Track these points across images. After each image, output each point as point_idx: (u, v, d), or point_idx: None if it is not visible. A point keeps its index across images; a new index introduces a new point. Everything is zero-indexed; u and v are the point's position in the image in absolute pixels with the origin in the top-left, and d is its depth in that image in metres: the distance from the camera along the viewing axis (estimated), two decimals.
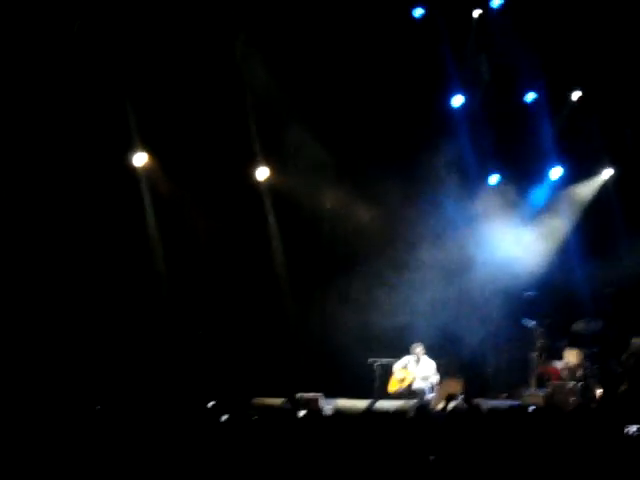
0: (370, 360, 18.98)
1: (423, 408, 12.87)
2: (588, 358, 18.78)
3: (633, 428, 9.52)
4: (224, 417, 11.63)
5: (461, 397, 18.09)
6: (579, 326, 19.12)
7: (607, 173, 20.66)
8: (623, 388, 17.36)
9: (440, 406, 15.22)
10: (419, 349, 18.51)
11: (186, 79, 18.49)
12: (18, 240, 17.39)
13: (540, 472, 6.78)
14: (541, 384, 18.76)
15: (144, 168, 18.84)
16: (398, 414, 9.86)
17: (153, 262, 19.33)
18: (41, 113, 17.35)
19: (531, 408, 12.25)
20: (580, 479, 6.58)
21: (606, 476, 6.67)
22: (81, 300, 18.24)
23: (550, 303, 19.79)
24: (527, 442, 7.84)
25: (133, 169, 18.76)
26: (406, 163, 19.76)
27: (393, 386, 18.49)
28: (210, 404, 15.84)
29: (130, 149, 18.61)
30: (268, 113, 19.31)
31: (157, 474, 6.81)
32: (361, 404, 16.75)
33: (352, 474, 6.78)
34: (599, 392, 18.28)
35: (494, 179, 20.91)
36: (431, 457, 7.17)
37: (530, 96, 20.23)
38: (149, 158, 18.77)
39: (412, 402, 17.17)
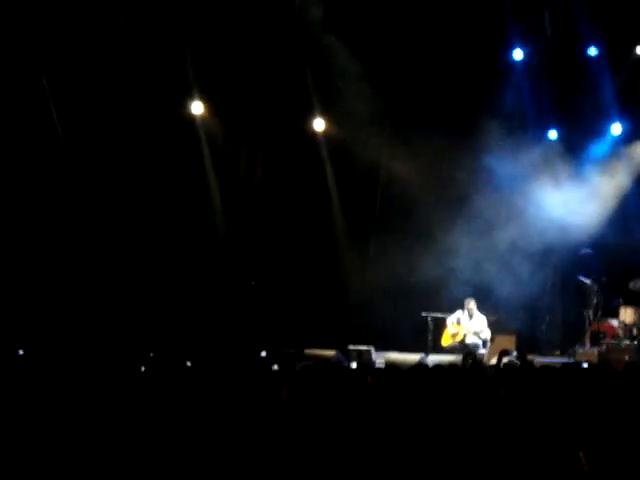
0: (423, 314, 19.00)
1: (476, 362, 12.86)
2: None
3: None
4: (275, 366, 11.72)
5: (514, 353, 18.06)
6: (635, 284, 18.90)
7: None
8: None
9: (493, 361, 15.18)
10: (472, 304, 18.47)
11: (245, 28, 18.42)
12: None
13: (591, 430, 6.72)
14: (595, 342, 18.63)
15: (202, 117, 18.89)
16: (451, 368, 9.83)
17: (210, 211, 19.42)
18: (101, 62, 17.43)
19: (584, 365, 12.21)
20: (632, 438, 6.50)
21: None
22: (134, 248, 18.40)
23: (607, 261, 19.56)
24: (580, 399, 7.78)
25: (191, 118, 18.83)
26: (463, 118, 19.58)
27: (446, 341, 18.48)
28: (262, 354, 16.01)
29: (188, 98, 18.66)
30: (326, 64, 19.18)
31: (206, 421, 6.84)
32: (412, 358, 16.74)
33: (402, 427, 6.75)
34: None
35: (553, 134, 20.64)
36: (485, 412, 7.12)
37: (592, 50, 19.86)
38: (206, 107, 18.80)
39: (464, 357, 17.14)
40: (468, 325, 18.32)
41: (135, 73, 17.79)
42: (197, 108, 18.80)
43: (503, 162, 19.56)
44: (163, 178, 18.64)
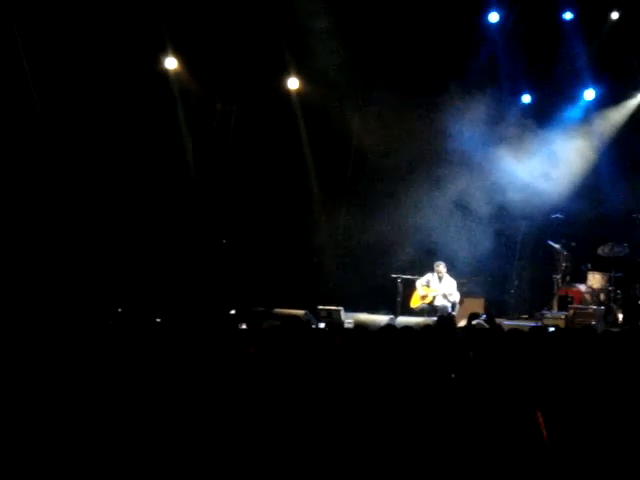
0: (393, 275, 19.05)
1: (445, 322, 12.90)
2: (611, 282, 18.74)
3: None
4: (243, 325, 11.72)
5: (483, 316, 18.15)
6: (604, 250, 18.99)
7: None
8: None
9: (462, 324, 15.25)
10: (441, 267, 18.51)
11: None
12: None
13: (558, 392, 6.76)
14: (563, 306, 18.73)
15: (175, 72, 18.77)
16: (420, 329, 9.85)
17: (183, 169, 19.33)
18: (75, 18, 17.27)
19: (551, 329, 12.28)
20: (599, 400, 6.55)
21: (625, 398, 6.64)
22: (106, 204, 18.31)
23: (576, 226, 19.63)
24: (546, 362, 7.82)
25: (165, 73, 18.71)
26: (436, 80, 19.53)
27: (415, 302, 18.54)
28: (231, 312, 16.01)
29: (162, 53, 18.53)
30: (300, 23, 19.04)
31: (174, 376, 6.83)
32: (381, 319, 16.79)
33: (369, 387, 6.77)
34: (620, 317, 18.28)
35: (527, 98, 20.63)
36: (452, 374, 7.14)
37: (567, 15, 19.81)
38: (180, 63, 18.69)
39: (433, 319, 17.22)
40: (438, 287, 18.38)
41: (109, 29, 17.59)
42: (171, 63, 18.67)
43: (474, 126, 19.54)
44: (137, 134, 18.50)
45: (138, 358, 7.47)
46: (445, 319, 13.77)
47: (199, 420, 6.08)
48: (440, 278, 18.44)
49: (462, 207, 19.67)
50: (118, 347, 7.86)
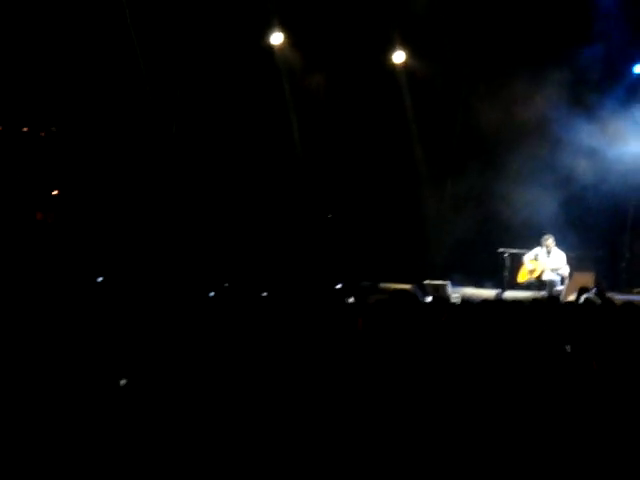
0: (500, 250, 18.85)
1: (554, 299, 12.71)
2: None
3: None
4: (351, 299, 11.70)
5: (593, 290, 17.83)
6: None
7: None
8: None
9: (571, 298, 15.02)
10: (550, 240, 18.22)
11: None
12: None
13: None
14: None
15: (280, 47, 18.82)
16: (529, 303, 9.71)
17: (290, 144, 19.41)
18: None
19: None
20: None
21: None
22: (214, 179, 18.51)
23: None
24: None
25: (270, 48, 18.77)
26: (547, 59, 19.22)
27: (523, 277, 18.30)
28: (338, 286, 16.02)
29: (268, 28, 18.59)
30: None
31: (280, 350, 6.85)
32: (489, 294, 16.64)
33: (475, 362, 6.68)
34: None
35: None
36: (567, 347, 6.99)
37: None
38: (286, 38, 18.73)
39: (542, 293, 16.99)
40: (546, 261, 18.11)
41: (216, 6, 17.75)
42: (276, 39, 18.73)
43: (587, 99, 19.17)
44: (243, 110, 18.65)
45: (245, 332, 7.50)
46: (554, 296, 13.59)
47: (307, 394, 6.07)
48: (549, 252, 18.16)
49: (570, 180, 19.31)
50: (226, 321, 7.90)
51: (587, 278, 18.46)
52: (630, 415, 5.37)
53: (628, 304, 9.48)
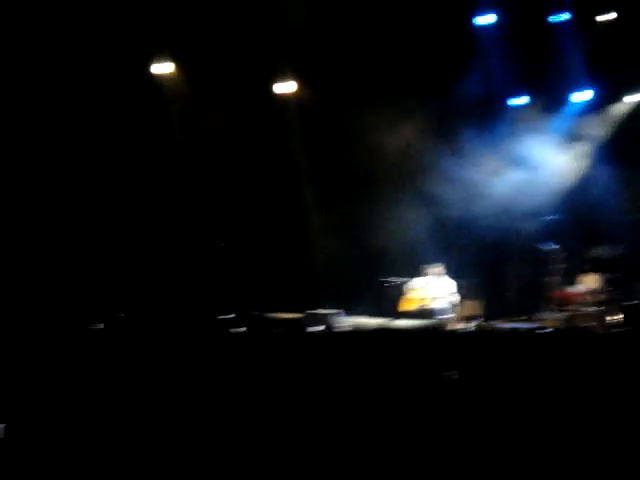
0: (389, 278, 19.00)
1: (443, 326, 12.89)
2: (609, 283, 18.74)
3: None
4: (242, 329, 11.70)
5: (481, 318, 18.14)
6: (601, 251, 19.01)
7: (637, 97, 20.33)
8: None
9: (460, 326, 15.24)
10: (440, 269, 18.46)
11: None
12: None
13: (558, 392, 6.75)
14: (560, 308, 18.71)
15: (170, 76, 18.72)
16: (417, 331, 9.83)
17: (179, 173, 19.27)
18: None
19: (549, 330, 12.26)
20: (598, 398, 6.54)
21: (623, 396, 6.63)
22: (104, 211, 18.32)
23: (572, 228, 19.64)
24: (543, 363, 7.82)
25: (157, 77, 18.66)
26: (432, 87, 19.54)
27: (412, 304, 18.48)
28: (228, 316, 15.98)
29: (155, 57, 18.49)
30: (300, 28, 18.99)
31: (171, 382, 6.82)
32: (378, 322, 16.76)
33: (367, 388, 6.75)
34: (619, 317, 18.27)
35: (522, 100, 20.63)
36: (452, 374, 7.11)
37: (561, 17, 19.82)
38: (175, 66, 18.66)
39: (431, 321, 17.19)
40: (436, 289, 18.33)
41: (103, 31, 17.59)
42: (165, 68, 18.64)
43: (464, 131, 19.52)
44: (129, 139, 18.49)
45: (137, 362, 7.45)
46: (441, 323, 13.77)
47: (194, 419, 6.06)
48: (438, 280, 18.39)
49: (456, 211, 19.61)
50: (118, 349, 7.84)
51: (475, 306, 18.80)
52: (510, 438, 5.49)
53: (512, 332, 9.69)
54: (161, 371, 7.05)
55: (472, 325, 13.58)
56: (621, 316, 18.23)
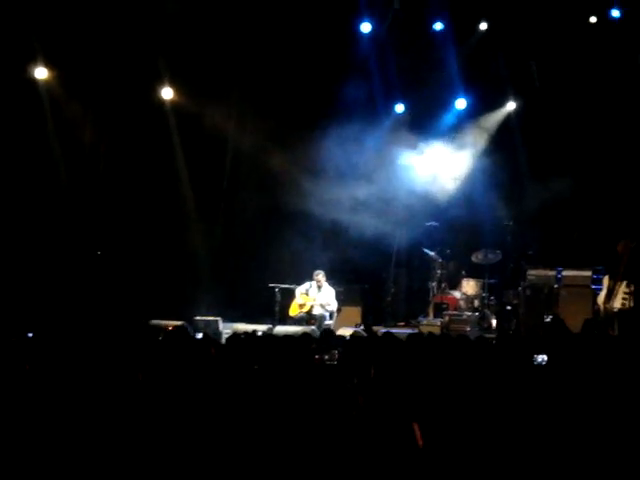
0: (271, 285, 19.03)
1: (328, 332, 12.97)
2: (485, 289, 19.09)
3: (539, 358, 9.76)
4: (121, 337, 11.57)
5: (360, 324, 18.26)
6: (478, 257, 19.35)
7: (511, 106, 20.72)
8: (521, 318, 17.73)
9: (340, 333, 15.34)
10: (320, 276, 18.57)
11: None
12: None
13: (435, 399, 6.85)
14: (438, 313, 18.99)
15: (45, 82, 18.38)
16: (300, 337, 9.88)
17: (56, 181, 18.92)
18: None
19: (423, 335, 12.45)
20: (474, 405, 6.66)
21: (499, 403, 6.77)
22: None
23: (450, 234, 19.93)
24: (423, 367, 7.93)
25: (33, 82, 18.31)
26: (310, 94, 19.66)
27: (293, 311, 18.56)
28: (109, 323, 15.79)
29: (31, 62, 18.15)
30: (179, 35, 18.86)
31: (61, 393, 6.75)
32: (260, 328, 16.79)
33: (250, 396, 6.76)
34: (494, 323, 18.65)
35: (400, 107, 20.87)
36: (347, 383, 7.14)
37: (438, 25, 20.13)
38: (51, 73, 18.32)
39: (312, 327, 17.29)
40: (316, 296, 18.43)
41: None
42: (40, 73, 18.29)
43: (348, 138, 19.60)
44: (7, 146, 18.14)
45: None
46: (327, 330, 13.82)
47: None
48: (319, 287, 18.49)
49: (337, 217, 19.72)
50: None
51: (354, 312, 18.98)
52: (389, 446, 5.56)
53: (388, 335, 9.83)
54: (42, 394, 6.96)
55: (349, 332, 13.67)
56: (494, 322, 18.64)
